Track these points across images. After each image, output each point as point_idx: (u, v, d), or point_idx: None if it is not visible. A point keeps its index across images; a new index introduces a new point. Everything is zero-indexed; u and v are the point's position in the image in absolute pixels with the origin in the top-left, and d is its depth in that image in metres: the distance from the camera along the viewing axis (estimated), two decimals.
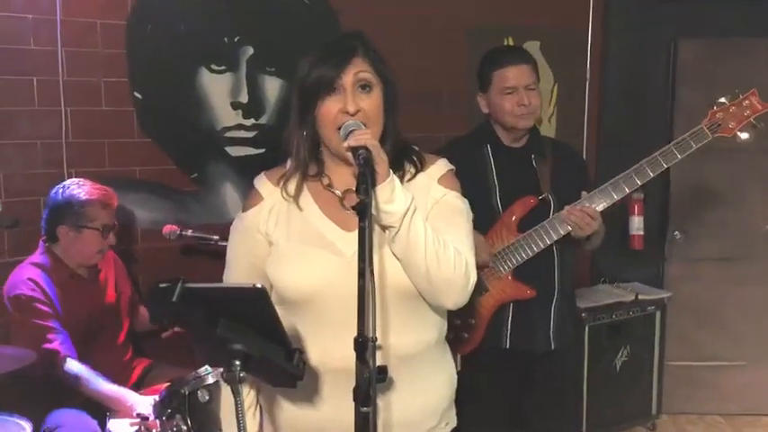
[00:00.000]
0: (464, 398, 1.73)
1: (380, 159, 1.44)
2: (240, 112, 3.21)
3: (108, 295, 2.73)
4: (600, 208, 2.29)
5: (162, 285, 1.17)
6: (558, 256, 2.39)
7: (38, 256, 2.59)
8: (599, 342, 3.67)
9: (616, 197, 2.30)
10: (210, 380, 2.12)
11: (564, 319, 2.45)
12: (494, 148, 2.40)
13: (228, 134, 3.21)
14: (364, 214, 1.40)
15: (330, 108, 1.54)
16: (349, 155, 1.46)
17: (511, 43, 3.79)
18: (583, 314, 3.57)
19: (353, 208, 1.39)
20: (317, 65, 1.55)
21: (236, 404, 1.26)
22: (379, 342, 1.40)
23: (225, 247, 2.73)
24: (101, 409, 2.42)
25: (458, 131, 3.13)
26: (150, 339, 2.97)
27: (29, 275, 2.50)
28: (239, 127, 3.22)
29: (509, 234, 2.33)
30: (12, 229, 1.70)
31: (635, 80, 4.03)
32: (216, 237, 2.80)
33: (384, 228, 1.49)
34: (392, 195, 1.46)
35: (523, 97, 2.30)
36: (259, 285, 1.20)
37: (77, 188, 2.60)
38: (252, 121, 3.24)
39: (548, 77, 3.87)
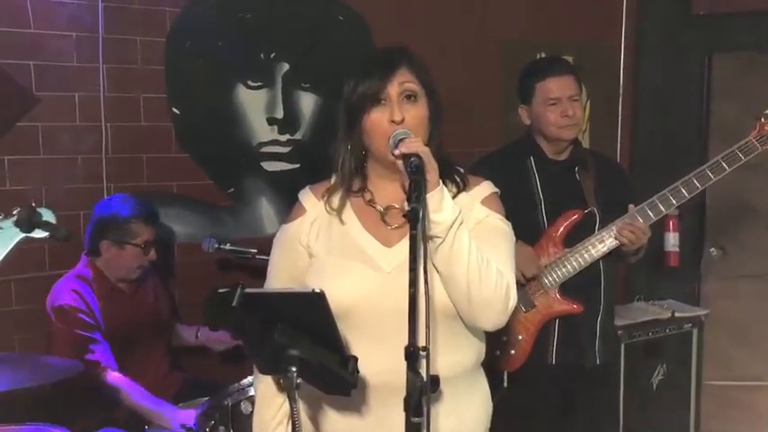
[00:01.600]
0: (510, 414, 1.71)
1: (431, 167, 1.44)
2: (276, 127, 3.24)
3: (147, 309, 2.75)
4: (649, 222, 2.28)
5: (221, 291, 1.17)
6: (603, 270, 2.37)
7: (81, 269, 2.62)
8: (635, 360, 3.60)
9: (664, 210, 2.29)
10: (253, 391, 2.10)
11: (608, 334, 2.43)
12: (537, 161, 2.39)
13: (264, 149, 3.23)
14: (416, 221, 1.40)
15: (377, 119, 1.55)
16: (399, 163, 1.46)
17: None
18: (619, 332, 3.51)
19: (404, 216, 1.38)
20: (363, 78, 1.57)
21: (292, 411, 1.25)
22: (423, 354, 1.38)
23: (263, 261, 2.81)
24: (140, 424, 2.42)
25: (490, 146, 3.12)
26: (187, 354, 2.99)
27: (72, 287, 2.52)
28: (275, 142, 3.24)
29: (555, 249, 2.32)
30: (66, 242, 1.71)
31: (668, 95, 4.01)
32: (254, 250, 2.81)
33: (429, 238, 1.48)
34: (441, 204, 1.46)
35: (567, 108, 2.30)
36: (318, 290, 1.20)
37: (122, 204, 2.62)
38: (287, 136, 3.26)
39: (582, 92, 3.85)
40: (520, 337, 2.30)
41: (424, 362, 1.39)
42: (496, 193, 1.67)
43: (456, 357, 1.58)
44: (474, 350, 1.63)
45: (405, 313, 1.33)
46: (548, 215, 2.34)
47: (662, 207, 2.29)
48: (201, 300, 3.03)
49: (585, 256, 2.30)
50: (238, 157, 3.18)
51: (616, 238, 2.29)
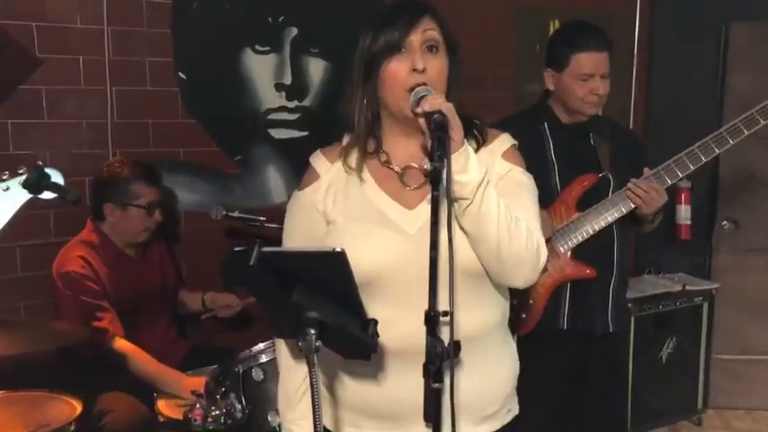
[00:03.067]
0: (519, 379, 1.67)
1: (456, 125, 1.38)
2: (284, 93, 3.18)
3: (154, 275, 2.71)
4: (664, 185, 2.23)
5: (238, 249, 1.12)
6: (617, 235, 2.32)
7: (86, 234, 2.58)
8: (645, 333, 3.58)
9: (680, 174, 2.23)
10: (264, 358, 2.08)
11: (621, 302, 2.39)
12: (551, 126, 2.33)
13: (272, 116, 3.17)
14: (438, 182, 1.34)
15: (397, 68, 1.48)
16: (421, 121, 1.40)
17: (557, 26, 3.71)
18: (629, 304, 3.47)
19: (426, 176, 1.33)
20: (383, 26, 1.50)
21: (311, 375, 1.21)
22: (445, 319, 1.34)
23: (271, 229, 2.79)
24: (147, 390, 2.40)
25: (504, 115, 3.07)
26: (192, 322, 2.95)
27: (79, 253, 2.49)
28: (282, 109, 3.19)
29: (568, 212, 2.27)
30: (76, 204, 1.66)
31: (683, 65, 3.93)
32: (263, 218, 2.76)
33: (455, 200, 1.43)
34: (466, 165, 1.40)
35: (599, 86, 2.24)
36: (339, 249, 1.15)
37: (121, 166, 2.58)
38: (295, 103, 3.20)
39: None
40: (531, 301, 2.25)
41: (445, 326, 1.35)
42: (515, 145, 1.61)
43: (482, 316, 1.53)
44: (500, 307, 1.59)
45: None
46: (561, 179, 2.28)
47: (678, 171, 2.24)
48: (208, 266, 3.03)
49: (600, 220, 2.25)
50: (246, 124, 3.13)
51: (629, 199, 2.23)
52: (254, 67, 3.10)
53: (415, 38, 1.48)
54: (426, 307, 1.33)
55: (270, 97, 3.15)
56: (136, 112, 2.90)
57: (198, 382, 2.23)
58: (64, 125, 2.79)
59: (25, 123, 2.74)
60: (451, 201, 1.35)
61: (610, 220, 2.25)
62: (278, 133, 3.19)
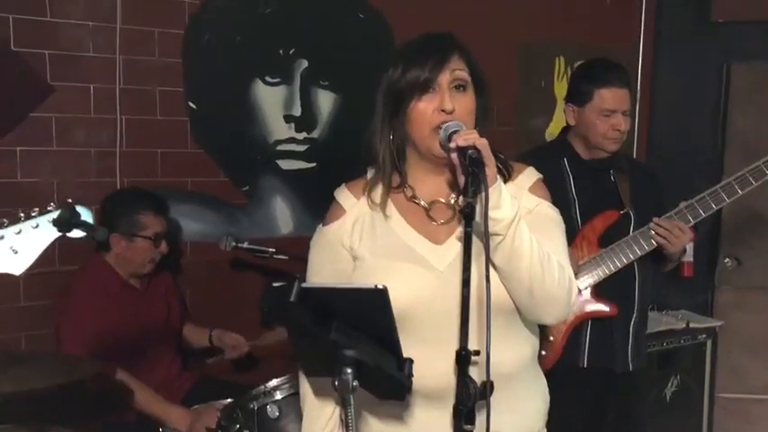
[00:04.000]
0: None
1: (490, 161, 1.37)
2: (293, 125, 3.17)
3: (159, 307, 2.67)
4: (688, 224, 2.25)
5: (276, 285, 1.10)
6: (638, 273, 2.32)
7: (91, 265, 2.55)
8: (649, 371, 3.49)
9: (703, 213, 2.25)
10: (279, 395, 2.03)
11: (641, 340, 2.38)
12: (571, 162, 2.34)
13: (280, 147, 3.16)
14: (471, 218, 1.33)
15: (425, 107, 1.48)
16: (454, 156, 1.39)
17: (562, 63, 3.75)
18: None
19: (460, 212, 1.31)
20: (412, 64, 1.49)
21: (347, 416, 1.18)
22: (477, 358, 1.32)
23: (280, 261, 2.76)
24: (152, 426, 2.34)
25: (507, 149, 3.05)
26: (196, 357, 2.91)
27: (81, 284, 2.45)
28: (291, 140, 3.18)
29: (590, 248, 2.27)
30: (102, 241, 1.63)
31: (685, 103, 3.96)
32: (272, 249, 2.74)
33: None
34: (500, 200, 1.39)
35: (620, 122, 2.25)
36: (381, 286, 1.13)
37: (129, 196, 2.56)
38: (304, 134, 3.19)
39: None
40: (551, 338, 2.24)
41: (476, 367, 1.32)
42: (542, 178, 1.60)
43: (514, 353, 1.51)
44: (531, 343, 1.57)
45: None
46: (582, 215, 2.28)
47: (701, 210, 2.25)
48: (213, 298, 2.98)
49: (621, 256, 2.25)
50: (254, 155, 3.11)
51: (652, 238, 2.23)
52: (264, 98, 3.10)
53: (444, 78, 1.48)
54: (455, 345, 1.31)
55: (279, 128, 3.14)
56: (145, 141, 2.88)
57: (208, 417, 2.18)
58: (72, 153, 2.77)
59: (34, 151, 2.71)
60: (489, 237, 1.33)
61: (632, 257, 2.26)
62: (286, 164, 3.18)
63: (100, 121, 2.80)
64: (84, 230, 1.35)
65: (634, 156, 3.97)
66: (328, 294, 1.15)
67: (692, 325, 3.67)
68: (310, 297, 1.13)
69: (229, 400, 2.26)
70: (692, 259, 3.00)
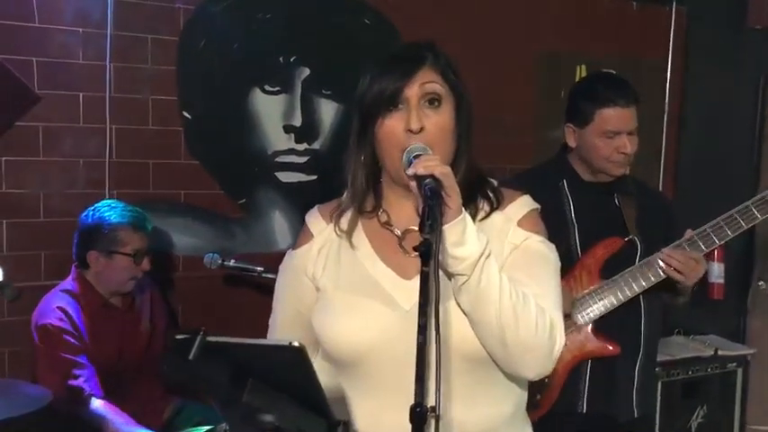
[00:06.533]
0: None
1: (452, 192, 1.20)
2: (293, 136, 3.03)
3: (142, 327, 2.55)
4: (701, 253, 2.03)
5: (179, 337, 0.95)
6: (644, 307, 2.10)
7: (69, 283, 2.44)
8: (673, 400, 3.36)
9: (717, 242, 2.03)
10: None
11: (647, 383, 2.17)
12: (571, 183, 2.13)
13: (279, 159, 3.03)
14: (429, 257, 1.17)
15: (392, 126, 1.32)
16: (413, 185, 1.23)
17: (584, 72, 3.54)
18: (656, 369, 3.26)
19: (415, 249, 1.15)
20: (380, 76, 1.34)
21: None
22: (440, 413, 1.15)
23: (270, 279, 2.63)
24: None
25: (522, 162, 2.90)
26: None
27: (58, 304, 2.34)
28: (291, 152, 3.04)
29: (590, 279, 2.06)
30: (14, 301, 1.55)
31: (718, 117, 3.73)
32: (260, 268, 2.61)
33: (450, 275, 1.25)
34: (463, 237, 1.22)
35: (626, 144, 2.03)
36: (296, 344, 0.97)
37: (108, 210, 2.44)
38: (304, 145, 3.06)
39: None
40: (546, 380, 2.03)
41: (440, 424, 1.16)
42: (536, 209, 1.42)
43: (491, 410, 1.34)
44: (513, 399, 1.39)
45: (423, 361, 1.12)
46: (581, 242, 2.07)
47: (715, 238, 2.03)
48: (206, 314, 2.85)
49: (625, 289, 2.04)
50: (252, 167, 2.98)
51: (664, 271, 2.02)
52: (263, 108, 2.97)
53: (411, 91, 1.32)
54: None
55: (278, 139, 3.01)
56: (136, 151, 2.78)
57: None
58: (60, 163, 2.68)
59: (20, 161, 2.63)
60: (438, 281, 1.16)
61: (637, 290, 2.04)
62: (285, 177, 3.04)
63: (89, 130, 2.71)
64: None
65: (661, 173, 3.76)
66: (240, 350, 1.00)
67: (720, 352, 3.47)
68: (220, 352, 0.98)
69: (207, 428, 2.13)
70: (722, 281, 2.80)
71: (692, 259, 2.00)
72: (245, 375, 1.00)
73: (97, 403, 2.25)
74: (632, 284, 2.04)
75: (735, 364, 3.49)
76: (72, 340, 2.29)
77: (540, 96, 3.44)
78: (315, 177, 3.07)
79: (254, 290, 2.88)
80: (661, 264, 2.03)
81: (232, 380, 0.99)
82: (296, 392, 1.02)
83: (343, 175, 1.42)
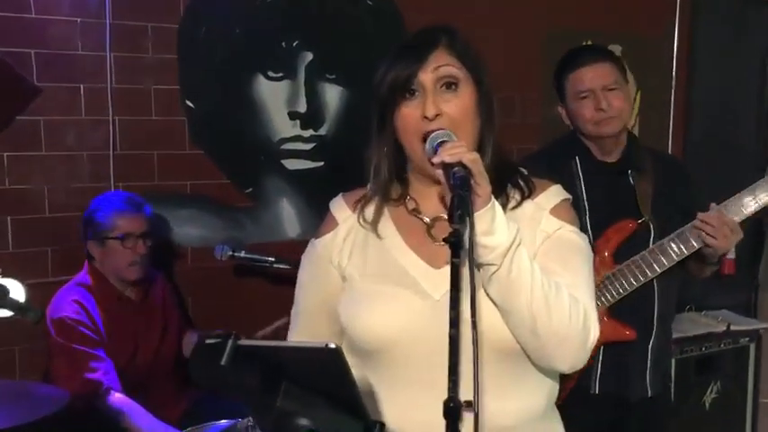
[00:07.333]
0: None
1: (481, 179, 1.16)
2: (298, 122, 2.98)
3: (156, 319, 2.53)
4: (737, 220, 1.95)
5: (209, 342, 0.92)
6: (657, 288, 2.06)
7: (83, 276, 2.42)
8: (686, 377, 3.35)
9: (745, 212, 1.97)
10: None
11: (661, 361, 2.13)
12: (582, 163, 2.08)
13: (285, 146, 2.98)
14: (459, 247, 1.13)
15: (409, 114, 1.29)
16: (439, 172, 1.19)
17: None
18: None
19: (445, 240, 1.11)
20: (393, 64, 1.30)
21: None
22: (478, 410, 1.12)
23: (281, 270, 2.60)
24: None
25: (531, 142, 2.86)
26: None
27: (73, 297, 2.32)
28: (297, 138, 2.99)
29: (602, 265, 2.00)
30: (38, 323, 1.52)
31: (725, 91, 3.69)
32: (271, 258, 2.57)
33: (480, 265, 1.21)
34: (492, 225, 1.18)
35: (601, 100, 1.98)
36: (333, 345, 0.94)
37: (102, 200, 2.44)
38: (310, 132, 3.01)
39: (630, 82, 3.56)
40: None
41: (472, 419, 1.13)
42: (568, 199, 1.39)
43: (523, 403, 1.31)
44: (545, 392, 1.36)
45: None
46: (593, 226, 2.01)
47: (750, 205, 1.97)
48: (216, 306, 2.82)
49: (638, 275, 1.99)
50: (257, 155, 2.94)
51: (700, 237, 1.95)
52: (267, 95, 2.92)
53: (426, 77, 1.28)
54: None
55: (283, 126, 2.96)
56: (140, 143, 2.73)
57: None
58: (63, 157, 2.63)
59: (22, 156, 2.58)
60: (474, 269, 1.13)
61: (650, 274, 2.00)
62: (292, 164, 3.00)
63: (91, 122, 2.66)
64: (11, 310, 1.16)
65: (669, 143, 3.71)
66: (273, 353, 0.97)
67: (733, 327, 3.45)
68: (253, 356, 0.95)
69: (224, 421, 2.11)
70: (733, 256, 2.78)
71: (726, 225, 1.92)
72: (277, 379, 0.96)
73: (116, 396, 2.23)
74: (646, 270, 1.99)
75: (747, 339, 3.47)
76: (89, 333, 2.27)
77: (549, 75, 3.39)
78: (322, 164, 3.03)
79: (264, 280, 2.85)
80: (697, 224, 1.95)
81: (264, 384, 0.95)
82: (331, 394, 0.99)
83: (366, 167, 1.39)
